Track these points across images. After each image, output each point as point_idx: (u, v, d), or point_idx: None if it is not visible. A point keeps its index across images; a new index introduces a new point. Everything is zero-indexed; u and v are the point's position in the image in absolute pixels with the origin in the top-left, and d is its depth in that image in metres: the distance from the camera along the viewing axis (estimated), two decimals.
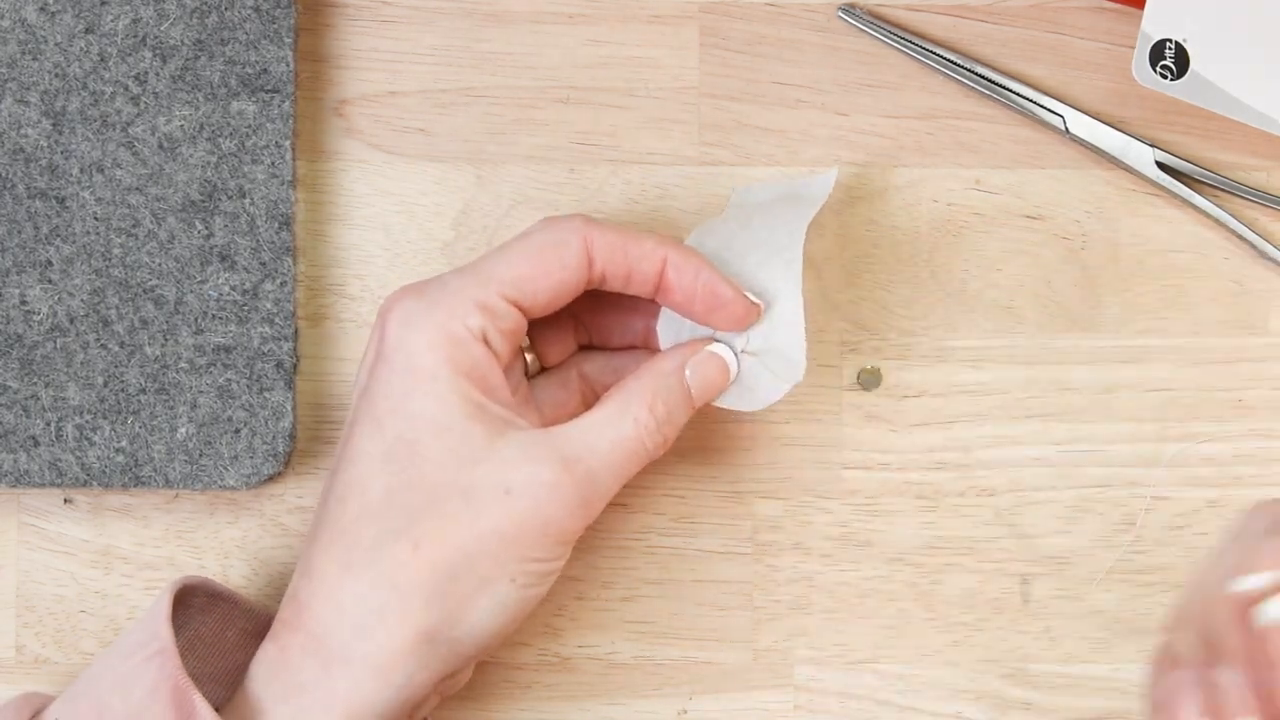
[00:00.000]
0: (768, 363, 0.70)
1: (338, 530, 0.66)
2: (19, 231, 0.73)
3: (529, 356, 0.71)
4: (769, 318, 0.70)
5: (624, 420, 0.67)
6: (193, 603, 0.70)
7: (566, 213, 0.71)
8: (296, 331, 0.74)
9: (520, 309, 0.67)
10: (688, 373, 0.69)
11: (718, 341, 0.70)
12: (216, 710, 0.64)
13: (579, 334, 0.73)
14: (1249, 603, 0.57)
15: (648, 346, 0.72)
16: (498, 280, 0.67)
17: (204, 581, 0.70)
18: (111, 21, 0.73)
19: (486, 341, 0.66)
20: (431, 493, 0.65)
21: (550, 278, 0.67)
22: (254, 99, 0.73)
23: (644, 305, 0.71)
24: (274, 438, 0.73)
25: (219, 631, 0.71)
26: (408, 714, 0.67)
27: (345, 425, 0.68)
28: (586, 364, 0.73)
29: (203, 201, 0.73)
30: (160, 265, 0.73)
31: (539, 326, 0.71)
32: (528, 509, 0.65)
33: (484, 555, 0.65)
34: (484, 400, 0.66)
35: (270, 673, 0.66)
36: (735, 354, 0.70)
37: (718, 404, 0.70)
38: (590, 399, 0.72)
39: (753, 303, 0.69)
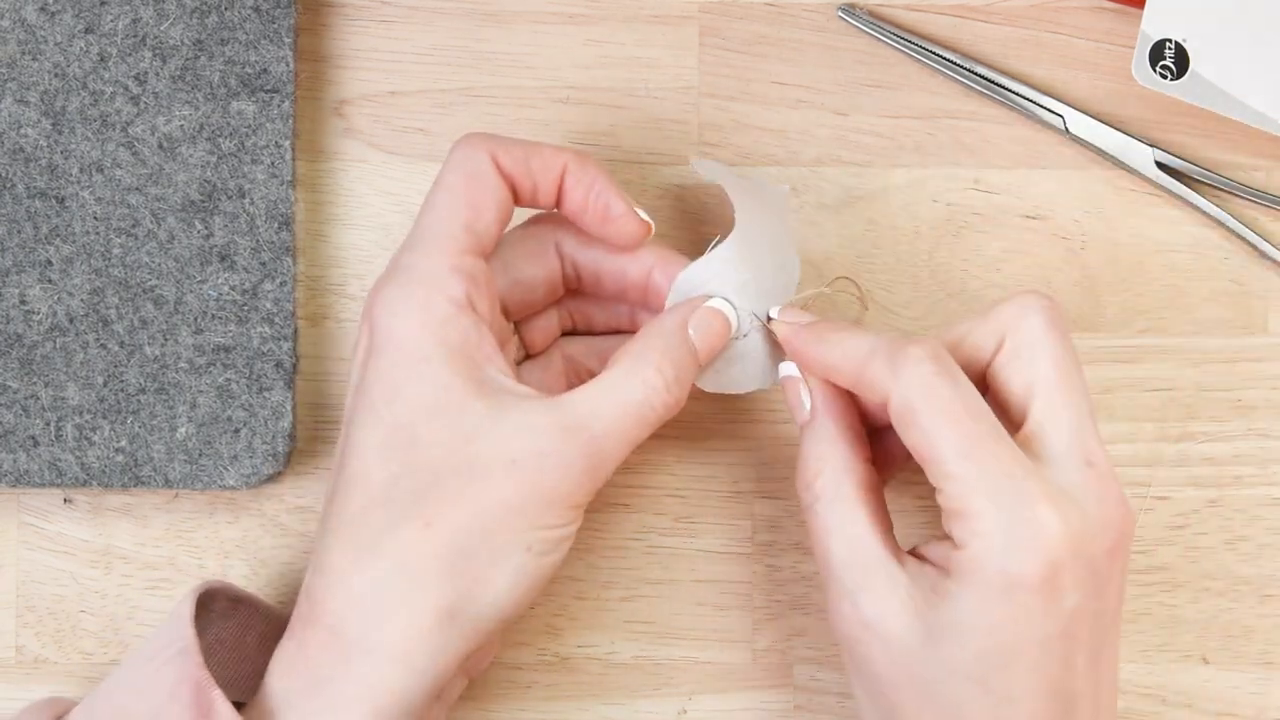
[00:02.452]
0: (763, 348, 0.70)
1: (345, 523, 0.65)
2: (19, 231, 0.73)
3: (514, 341, 0.72)
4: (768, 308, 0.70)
5: (631, 384, 0.66)
6: (214, 607, 0.70)
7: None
8: (296, 331, 0.74)
9: (481, 255, 0.67)
10: (691, 330, 0.68)
11: (716, 298, 0.69)
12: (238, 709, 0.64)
13: (562, 320, 0.73)
14: None
15: (632, 329, 0.72)
16: (451, 237, 0.66)
17: (225, 586, 0.70)
18: (111, 21, 0.73)
19: (472, 305, 0.66)
20: (435, 473, 0.64)
21: (488, 209, 0.67)
22: (254, 99, 0.73)
23: (629, 292, 0.71)
24: (274, 437, 0.73)
25: (239, 636, 0.70)
26: (436, 696, 0.66)
27: (343, 424, 0.67)
28: (570, 347, 0.73)
29: (203, 201, 0.73)
30: (160, 265, 0.73)
31: (524, 316, 0.72)
32: (534, 479, 0.64)
33: (496, 527, 0.64)
34: (481, 371, 0.65)
35: (290, 668, 0.65)
36: (734, 316, 0.70)
37: (711, 389, 0.70)
38: (574, 380, 0.72)
39: (643, 219, 0.69)
